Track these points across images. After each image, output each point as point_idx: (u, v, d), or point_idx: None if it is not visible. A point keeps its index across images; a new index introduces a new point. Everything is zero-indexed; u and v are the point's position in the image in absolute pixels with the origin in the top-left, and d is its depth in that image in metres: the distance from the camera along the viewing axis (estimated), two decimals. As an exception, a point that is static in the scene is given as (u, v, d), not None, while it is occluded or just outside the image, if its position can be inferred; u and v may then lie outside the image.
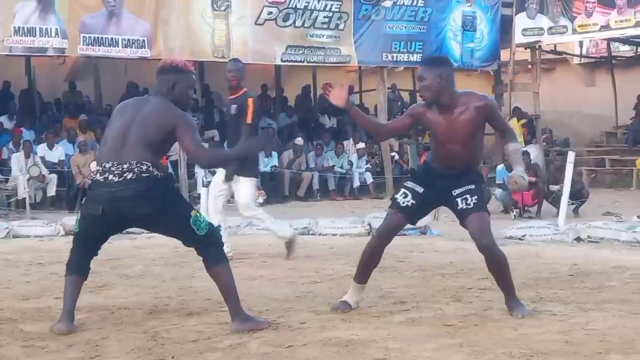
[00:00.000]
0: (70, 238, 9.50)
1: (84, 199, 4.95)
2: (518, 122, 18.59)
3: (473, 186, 5.24)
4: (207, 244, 4.86)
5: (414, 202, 5.29)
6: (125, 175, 4.62)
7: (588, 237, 9.15)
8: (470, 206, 5.17)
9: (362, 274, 5.47)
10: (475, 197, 5.19)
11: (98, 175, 4.72)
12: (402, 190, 5.38)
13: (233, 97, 7.94)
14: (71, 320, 4.88)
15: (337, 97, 5.31)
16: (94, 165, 14.64)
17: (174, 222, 4.81)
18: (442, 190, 5.27)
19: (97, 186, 4.72)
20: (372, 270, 5.49)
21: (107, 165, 4.69)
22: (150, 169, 4.66)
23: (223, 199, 7.93)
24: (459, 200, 5.20)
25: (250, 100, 7.85)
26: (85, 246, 4.97)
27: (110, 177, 4.65)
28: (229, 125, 8.13)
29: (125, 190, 4.62)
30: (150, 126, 4.72)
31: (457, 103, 5.16)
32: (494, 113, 5.27)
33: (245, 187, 7.77)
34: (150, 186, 4.65)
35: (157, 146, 4.78)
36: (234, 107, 7.83)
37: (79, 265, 4.97)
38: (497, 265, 5.20)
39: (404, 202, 5.30)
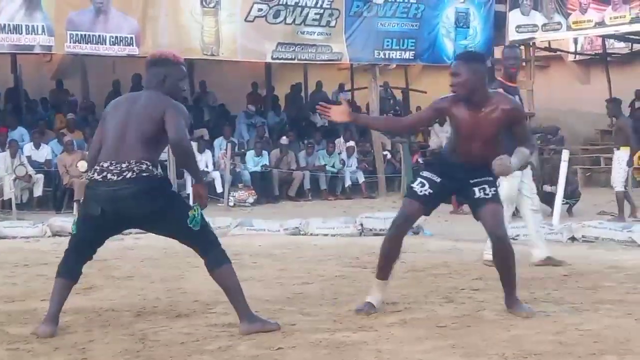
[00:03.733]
0: (57, 239, 9.39)
1: (82, 199, 4.87)
2: None
3: (491, 178, 5.21)
4: (206, 245, 4.79)
5: (431, 191, 5.23)
6: (124, 174, 4.57)
7: (583, 236, 9.09)
8: (489, 196, 5.13)
9: (383, 269, 5.36)
10: (494, 188, 5.17)
11: (96, 174, 4.65)
12: (419, 179, 5.30)
13: (513, 85, 7.42)
14: (55, 324, 4.81)
15: (339, 114, 5.24)
16: (81, 165, 14.54)
17: (171, 222, 4.74)
18: (459, 180, 5.22)
19: (96, 185, 4.65)
20: (393, 263, 5.36)
21: (106, 165, 4.63)
22: (150, 167, 4.61)
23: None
24: (476, 189, 5.15)
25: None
26: (81, 249, 4.89)
27: (109, 176, 4.59)
28: None
29: (125, 189, 4.56)
30: (144, 121, 4.66)
31: (486, 102, 5.11)
32: (520, 120, 5.24)
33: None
34: (150, 185, 4.60)
35: (154, 141, 4.70)
36: (517, 97, 7.30)
37: (71, 269, 4.89)
38: (506, 260, 5.15)
39: (421, 191, 5.24)
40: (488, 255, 7.49)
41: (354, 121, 5.43)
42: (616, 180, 11.91)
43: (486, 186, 5.16)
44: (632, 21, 17.52)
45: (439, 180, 5.25)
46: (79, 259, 4.90)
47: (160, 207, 4.64)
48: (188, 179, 14.52)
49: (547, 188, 12.72)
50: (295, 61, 17.49)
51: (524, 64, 20.19)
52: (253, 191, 15.59)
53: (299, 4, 16.57)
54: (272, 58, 16.88)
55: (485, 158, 5.15)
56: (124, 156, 4.60)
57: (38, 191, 14.15)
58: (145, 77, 4.94)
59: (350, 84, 21.48)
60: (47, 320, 4.80)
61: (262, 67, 19.92)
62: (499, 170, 5.04)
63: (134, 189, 4.56)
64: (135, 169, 4.57)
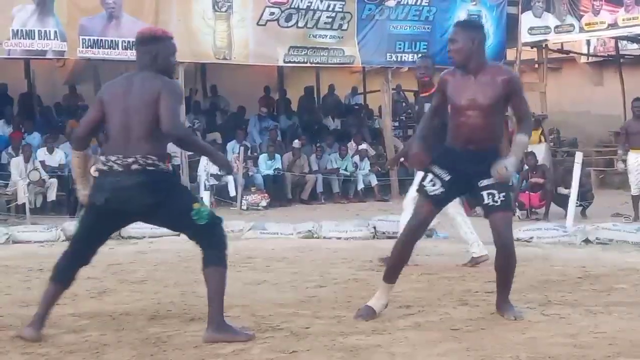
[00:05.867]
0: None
1: (90, 191, 4.86)
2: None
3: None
4: (210, 241, 4.73)
5: (443, 190, 5.18)
6: (131, 166, 4.60)
7: (597, 238, 9.05)
8: (497, 204, 5.07)
9: (392, 272, 5.32)
10: (503, 193, 5.08)
11: (102, 165, 4.69)
12: (430, 177, 5.22)
13: (425, 95, 7.56)
14: (41, 327, 4.79)
15: (418, 164, 5.32)
16: (94, 170, 14.53)
17: (173, 213, 4.72)
18: (466, 177, 5.14)
19: (103, 175, 4.69)
20: (402, 267, 5.35)
21: (113, 158, 4.66)
22: (157, 162, 4.63)
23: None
24: (484, 194, 5.09)
25: None
26: (81, 248, 4.85)
27: (115, 167, 4.62)
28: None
29: (129, 179, 4.58)
30: (143, 109, 4.62)
31: (482, 71, 5.09)
32: (517, 90, 5.14)
33: None
34: (155, 178, 4.62)
35: (158, 131, 4.62)
36: (428, 105, 7.50)
37: (65, 274, 4.85)
38: (508, 265, 5.13)
39: (432, 191, 5.18)
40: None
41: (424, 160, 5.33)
42: None
43: (495, 192, 5.07)
44: (645, 23, 17.46)
45: (448, 177, 5.17)
46: (76, 261, 4.85)
47: (163, 199, 4.64)
48: (201, 182, 14.54)
49: (562, 190, 12.68)
50: (307, 64, 17.48)
51: (536, 66, 20.20)
52: (266, 194, 15.57)
53: (311, 8, 16.55)
54: (284, 62, 16.87)
55: (485, 134, 5.09)
56: (131, 151, 4.62)
57: (52, 196, 14.11)
58: (137, 56, 4.86)
59: (362, 87, 21.46)
60: (35, 322, 4.77)
61: (274, 71, 19.91)
62: (498, 177, 4.98)
63: (138, 180, 4.58)
64: (141, 161, 4.59)
